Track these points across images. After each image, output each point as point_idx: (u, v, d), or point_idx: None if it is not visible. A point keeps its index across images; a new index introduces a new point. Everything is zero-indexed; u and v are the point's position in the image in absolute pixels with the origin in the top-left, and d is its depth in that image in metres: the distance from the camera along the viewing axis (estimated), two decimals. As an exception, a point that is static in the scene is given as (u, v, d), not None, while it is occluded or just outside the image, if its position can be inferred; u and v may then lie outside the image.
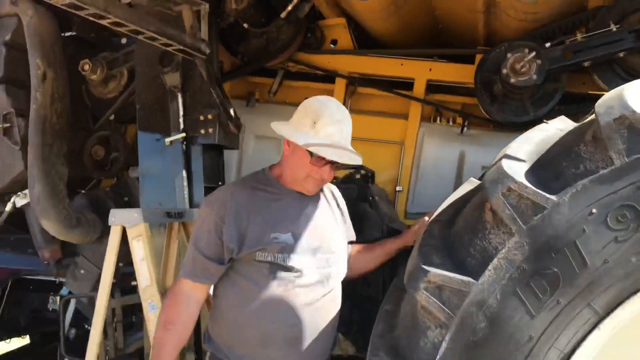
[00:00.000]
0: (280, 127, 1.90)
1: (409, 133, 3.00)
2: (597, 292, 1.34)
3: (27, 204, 2.78)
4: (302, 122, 1.85)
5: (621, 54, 2.45)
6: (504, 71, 2.51)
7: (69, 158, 2.81)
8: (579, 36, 2.50)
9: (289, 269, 1.79)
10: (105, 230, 2.52)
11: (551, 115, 2.21)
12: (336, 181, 2.35)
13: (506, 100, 2.68)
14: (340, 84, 3.03)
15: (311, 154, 1.81)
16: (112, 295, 2.47)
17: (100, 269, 2.39)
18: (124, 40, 2.97)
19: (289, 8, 2.73)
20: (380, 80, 3.06)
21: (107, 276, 2.32)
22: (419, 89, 2.98)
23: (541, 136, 1.57)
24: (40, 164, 2.60)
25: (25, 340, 4.18)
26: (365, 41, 3.06)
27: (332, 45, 3.04)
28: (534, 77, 2.47)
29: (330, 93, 2.94)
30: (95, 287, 2.53)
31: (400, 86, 3.04)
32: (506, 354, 1.39)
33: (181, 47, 2.40)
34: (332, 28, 3.03)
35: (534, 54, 2.45)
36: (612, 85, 1.98)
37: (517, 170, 1.41)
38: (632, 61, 2.48)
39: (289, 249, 1.80)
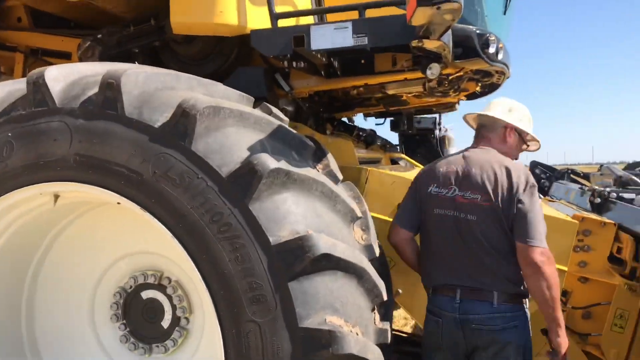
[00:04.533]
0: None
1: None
2: None
3: None
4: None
5: (157, 44, 3.22)
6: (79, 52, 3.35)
7: None
8: (132, 28, 3.27)
9: None
10: None
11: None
12: None
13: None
14: (19, 56, 3.91)
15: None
16: None
17: None
18: None
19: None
20: (51, 52, 3.92)
21: None
22: (75, 61, 3.82)
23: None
24: None
25: None
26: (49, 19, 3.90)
27: (18, 22, 3.90)
28: (97, 59, 3.30)
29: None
30: None
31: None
32: None
33: None
34: (16, 8, 3.87)
35: (93, 41, 3.27)
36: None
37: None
38: (166, 49, 3.25)
39: None
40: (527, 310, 2.48)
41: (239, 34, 2.78)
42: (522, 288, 2.45)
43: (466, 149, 2.73)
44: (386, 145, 4.84)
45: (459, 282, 2.49)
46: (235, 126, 2.11)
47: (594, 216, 3.27)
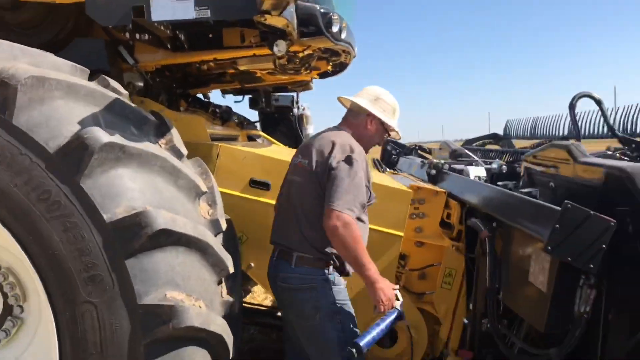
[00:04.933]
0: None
1: None
2: None
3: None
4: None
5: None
6: None
7: None
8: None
9: None
10: None
11: None
12: None
13: None
14: None
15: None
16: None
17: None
18: None
19: None
20: None
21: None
22: None
23: None
24: None
25: None
26: None
27: None
28: None
29: None
30: None
31: None
32: None
33: None
34: None
35: None
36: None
37: None
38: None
39: None
40: (331, 275, 2.58)
41: (74, 2, 2.60)
42: (324, 253, 2.57)
43: (328, 128, 2.88)
44: (243, 123, 4.85)
45: (279, 241, 2.68)
46: (64, 99, 1.98)
47: (428, 186, 3.60)
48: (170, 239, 1.95)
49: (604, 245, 1.96)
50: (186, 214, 2.12)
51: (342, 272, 2.65)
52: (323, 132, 2.83)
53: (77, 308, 1.87)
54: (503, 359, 2.83)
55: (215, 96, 6.20)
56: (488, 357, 2.93)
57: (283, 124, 6.44)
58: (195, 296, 2.03)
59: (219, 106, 4.68)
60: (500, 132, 7.56)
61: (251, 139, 4.61)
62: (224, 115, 4.53)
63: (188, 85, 4.20)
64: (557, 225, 1.99)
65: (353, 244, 2.42)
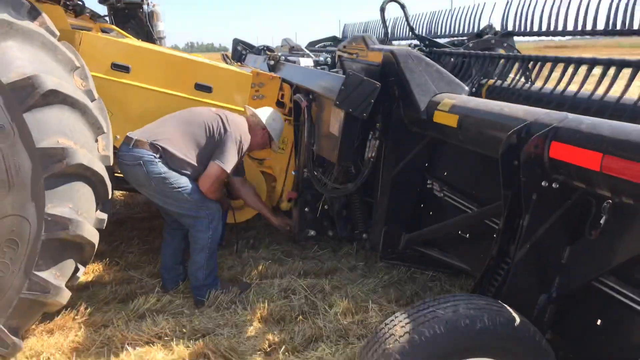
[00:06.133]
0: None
1: None
2: None
3: None
4: None
5: None
6: None
7: None
8: None
9: None
10: None
11: None
12: None
13: None
14: None
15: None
16: None
17: None
18: None
19: None
20: None
21: None
22: None
23: None
24: None
25: None
26: None
27: None
28: None
29: None
30: None
31: None
32: None
33: None
34: None
35: None
36: None
37: None
38: None
39: None
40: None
41: None
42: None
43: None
44: (95, 16, 5.11)
45: None
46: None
47: (266, 73, 4.38)
48: (57, 98, 2.51)
49: (372, 100, 2.93)
50: (66, 82, 2.67)
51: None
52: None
53: (-16, 151, 2.40)
54: (318, 194, 3.89)
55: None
56: (308, 195, 3.97)
57: (133, 19, 6.67)
58: (81, 145, 2.65)
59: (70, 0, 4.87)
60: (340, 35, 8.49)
61: (105, 31, 4.93)
62: (77, 8, 4.77)
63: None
64: (342, 87, 2.92)
65: (212, 195, 3.58)
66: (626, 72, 2.70)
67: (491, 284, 2.17)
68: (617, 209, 1.84)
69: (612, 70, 2.78)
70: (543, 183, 1.96)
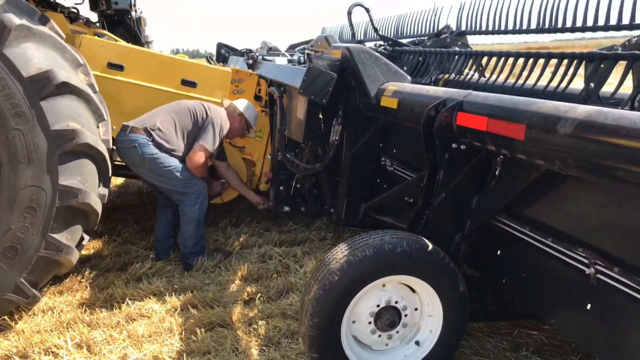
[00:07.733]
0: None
1: None
2: None
3: None
4: None
5: None
6: None
7: None
8: None
9: None
10: None
11: None
12: None
13: None
14: None
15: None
16: None
17: None
18: None
19: None
20: None
21: None
22: None
23: None
24: None
25: None
26: None
27: None
28: None
29: None
30: None
31: None
32: None
33: None
34: None
35: None
36: None
37: None
38: None
39: None
40: None
41: None
42: None
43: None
44: (89, 22, 5.64)
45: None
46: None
47: (245, 70, 4.95)
48: (67, 89, 3.05)
49: (330, 89, 3.50)
50: (74, 76, 3.21)
51: None
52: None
53: (9, 133, 2.92)
54: (292, 174, 4.46)
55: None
56: (282, 175, 4.54)
57: (122, 26, 7.18)
58: (87, 128, 3.19)
59: (65, 7, 5.40)
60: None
61: (98, 36, 5.46)
62: (72, 15, 5.30)
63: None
64: (305, 77, 3.49)
65: (197, 172, 4.14)
66: (553, 62, 3.23)
67: (418, 225, 2.75)
68: (506, 162, 2.44)
69: (541, 61, 3.27)
70: (453, 145, 2.55)
